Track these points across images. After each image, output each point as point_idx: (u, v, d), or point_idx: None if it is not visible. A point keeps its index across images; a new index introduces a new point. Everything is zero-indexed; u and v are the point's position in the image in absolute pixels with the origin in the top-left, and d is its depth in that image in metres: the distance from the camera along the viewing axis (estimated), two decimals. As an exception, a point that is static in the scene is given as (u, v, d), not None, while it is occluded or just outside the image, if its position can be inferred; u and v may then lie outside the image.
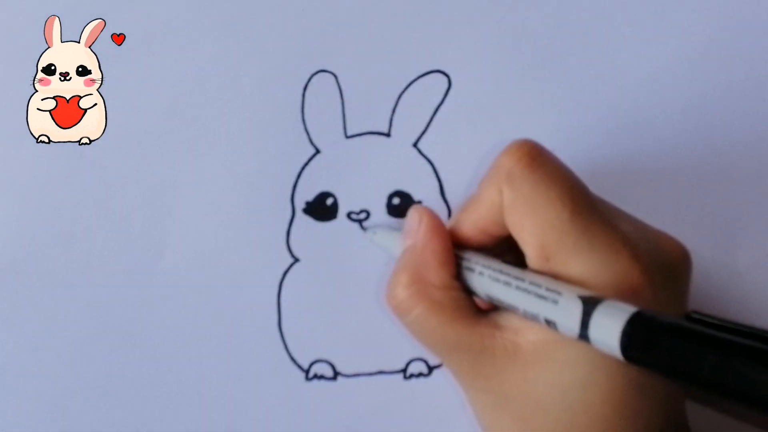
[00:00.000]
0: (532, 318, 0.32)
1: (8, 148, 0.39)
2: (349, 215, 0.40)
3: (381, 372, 0.40)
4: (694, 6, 0.40)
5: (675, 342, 0.28)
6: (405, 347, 0.39)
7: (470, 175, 0.40)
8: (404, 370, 0.40)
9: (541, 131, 0.39)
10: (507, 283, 0.33)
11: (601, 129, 0.40)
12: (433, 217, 0.36)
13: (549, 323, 0.31)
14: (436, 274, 0.35)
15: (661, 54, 0.40)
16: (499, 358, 0.33)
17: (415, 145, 0.40)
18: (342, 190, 0.40)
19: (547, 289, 0.31)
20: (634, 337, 0.28)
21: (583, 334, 0.30)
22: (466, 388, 0.36)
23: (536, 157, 0.33)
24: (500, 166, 0.34)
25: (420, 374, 0.40)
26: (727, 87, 0.40)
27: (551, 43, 0.40)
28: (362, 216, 0.40)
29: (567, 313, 0.30)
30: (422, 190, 0.40)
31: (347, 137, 0.40)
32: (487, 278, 0.34)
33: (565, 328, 0.31)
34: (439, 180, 0.40)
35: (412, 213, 0.37)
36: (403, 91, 0.40)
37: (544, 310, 0.31)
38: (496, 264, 0.34)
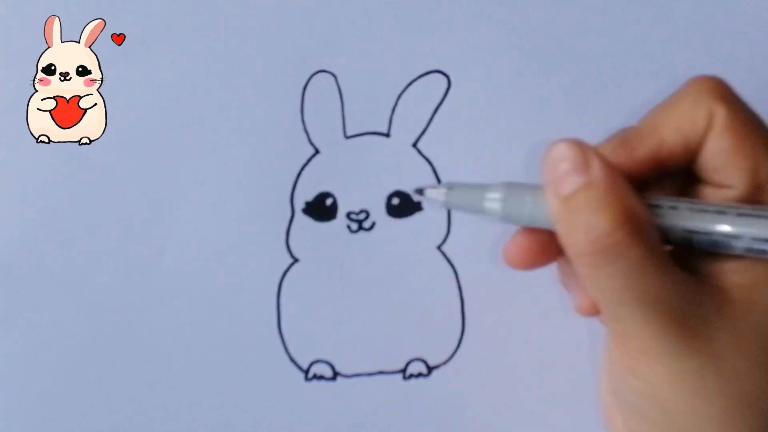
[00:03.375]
0: (758, 251, 0.28)
1: (8, 148, 0.39)
2: (348, 215, 0.40)
3: (380, 372, 0.40)
4: (694, 6, 0.40)
5: None
6: (405, 347, 0.39)
7: (470, 175, 0.40)
8: (404, 371, 0.40)
9: (541, 131, 0.39)
10: (720, 212, 0.28)
11: (601, 129, 0.40)
12: (595, 147, 0.31)
13: None
14: (643, 209, 0.29)
15: (661, 54, 0.40)
16: (706, 308, 0.29)
17: (414, 145, 0.40)
18: (341, 191, 0.40)
19: None
20: None
21: None
22: (657, 356, 0.29)
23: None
24: (700, 86, 0.30)
25: (419, 374, 0.40)
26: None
27: (551, 43, 0.40)
28: (361, 216, 0.40)
29: None
30: (422, 190, 0.40)
31: (347, 137, 0.40)
32: (685, 211, 0.29)
33: None
34: (439, 180, 0.40)
35: (561, 147, 0.30)
36: (402, 91, 0.40)
37: None
38: (681, 198, 0.30)
